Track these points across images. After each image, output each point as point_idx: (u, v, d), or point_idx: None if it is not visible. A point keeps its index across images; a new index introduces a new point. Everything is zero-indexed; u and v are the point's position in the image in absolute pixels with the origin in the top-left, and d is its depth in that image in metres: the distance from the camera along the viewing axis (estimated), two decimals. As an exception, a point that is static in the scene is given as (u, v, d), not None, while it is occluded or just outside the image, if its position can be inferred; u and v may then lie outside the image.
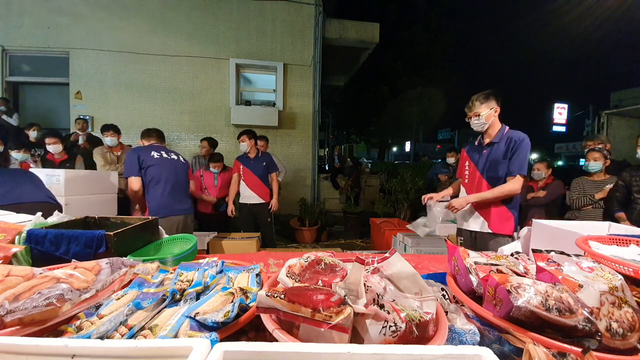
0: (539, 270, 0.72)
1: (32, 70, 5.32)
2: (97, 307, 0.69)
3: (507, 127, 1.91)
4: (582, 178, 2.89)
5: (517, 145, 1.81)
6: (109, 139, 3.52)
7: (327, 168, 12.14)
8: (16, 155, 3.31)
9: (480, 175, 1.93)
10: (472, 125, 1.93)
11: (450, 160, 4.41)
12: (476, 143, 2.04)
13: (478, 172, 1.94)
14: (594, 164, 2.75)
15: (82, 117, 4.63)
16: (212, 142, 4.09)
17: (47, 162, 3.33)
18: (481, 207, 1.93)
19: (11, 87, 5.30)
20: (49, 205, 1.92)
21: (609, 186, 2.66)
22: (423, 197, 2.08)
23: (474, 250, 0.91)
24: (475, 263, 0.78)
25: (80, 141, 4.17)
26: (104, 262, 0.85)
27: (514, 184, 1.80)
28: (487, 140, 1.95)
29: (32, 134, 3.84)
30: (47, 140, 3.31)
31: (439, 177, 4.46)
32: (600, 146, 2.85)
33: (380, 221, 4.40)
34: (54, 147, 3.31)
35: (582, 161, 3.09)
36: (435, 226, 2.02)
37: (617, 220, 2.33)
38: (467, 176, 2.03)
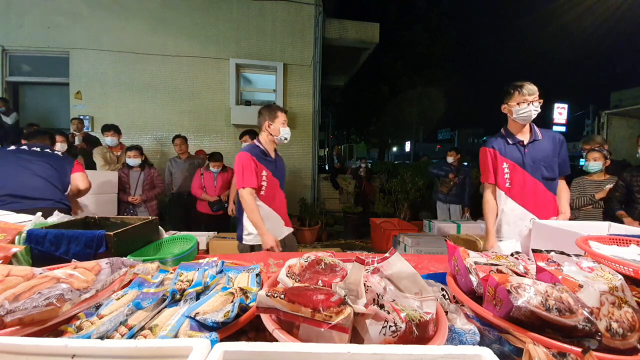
0: (539, 270, 0.72)
1: (32, 70, 5.32)
2: (97, 307, 0.69)
3: (534, 124, 1.80)
4: (582, 178, 2.89)
5: (563, 143, 1.76)
6: (109, 139, 3.53)
7: (327, 168, 12.14)
8: None
9: (532, 178, 1.72)
10: (525, 114, 1.67)
11: (450, 159, 4.42)
12: (509, 141, 1.78)
13: (528, 174, 1.72)
14: (594, 164, 2.75)
15: (80, 117, 4.62)
16: (186, 139, 4.03)
17: (47, 162, 3.33)
18: (549, 213, 1.72)
19: (11, 87, 5.30)
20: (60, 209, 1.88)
21: (609, 186, 2.67)
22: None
23: None
24: (475, 263, 0.78)
25: (77, 142, 4.14)
26: (104, 262, 0.85)
27: (566, 184, 1.80)
28: (524, 138, 1.75)
29: None
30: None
31: (449, 176, 4.44)
32: (598, 147, 2.86)
33: (380, 221, 4.41)
34: (59, 146, 3.30)
35: (582, 161, 3.09)
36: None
37: (617, 220, 2.33)
38: (508, 180, 1.76)
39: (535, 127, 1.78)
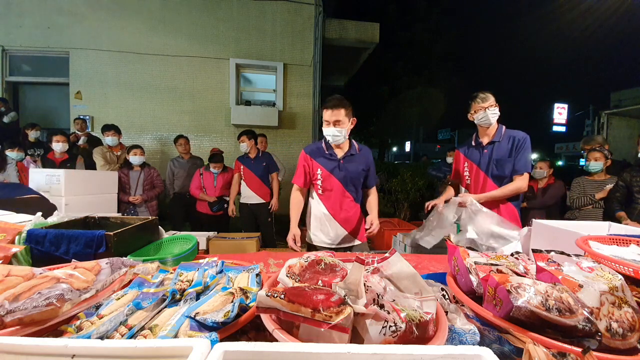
0: (539, 270, 0.72)
1: (32, 70, 5.32)
2: (97, 307, 0.69)
3: (504, 126, 1.92)
4: (582, 178, 2.89)
5: (522, 144, 1.83)
6: (109, 139, 3.52)
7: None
8: (10, 154, 3.31)
9: (484, 175, 1.91)
10: (483, 119, 1.86)
11: (450, 159, 4.43)
12: (473, 143, 2.00)
13: (482, 172, 1.91)
14: (595, 163, 2.75)
15: (81, 117, 4.62)
16: (188, 140, 4.02)
17: (48, 162, 3.33)
18: (490, 207, 1.82)
19: (11, 87, 5.30)
20: (37, 199, 1.87)
21: (609, 186, 2.67)
22: (426, 205, 1.94)
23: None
24: (475, 263, 0.78)
25: (81, 142, 4.15)
26: (104, 262, 0.85)
27: (522, 182, 1.82)
28: (486, 140, 1.93)
29: (32, 134, 3.83)
30: (55, 137, 3.29)
31: (447, 178, 4.45)
32: (598, 147, 2.86)
33: (380, 221, 4.40)
34: (61, 145, 3.29)
35: (582, 161, 3.09)
36: (449, 228, 1.82)
37: (617, 220, 2.33)
38: (467, 177, 2.00)
39: (502, 129, 1.91)
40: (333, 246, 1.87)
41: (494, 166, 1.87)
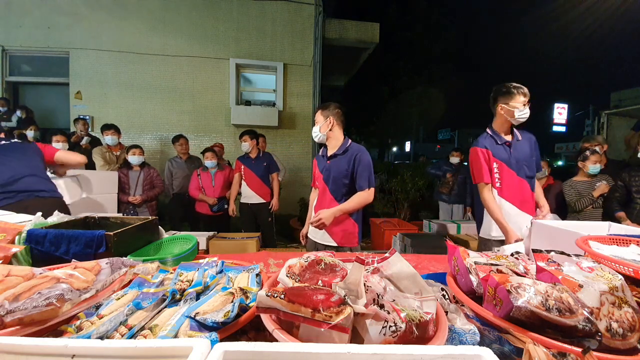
0: (539, 270, 0.72)
1: (32, 70, 5.32)
2: (97, 307, 0.69)
3: None
4: (571, 180, 2.88)
5: (536, 144, 1.84)
6: (109, 138, 3.52)
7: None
8: None
9: (517, 177, 1.76)
10: (523, 114, 1.70)
11: (455, 160, 4.42)
12: (497, 142, 1.80)
13: (514, 173, 1.76)
14: (595, 166, 2.74)
15: (81, 117, 4.62)
16: (187, 139, 4.02)
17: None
18: (532, 212, 1.79)
19: (11, 87, 5.30)
20: (52, 200, 1.84)
21: (600, 183, 2.68)
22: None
23: None
24: (475, 263, 0.77)
25: (84, 142, 4.13)
26: (104, 262, 0.85)
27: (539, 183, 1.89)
28: (508, 138, 1.81)
29: (29, 134, 3.83)
30: (55, 137, 3.29)
31: (447, 176, 4.46)
32: (597, 147, 2.86)
33: (380, 221, 4.40)
34: (61, 145, 3.29)
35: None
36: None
37: (617, 220, 2.33)
38: (498, 180, 1.78)
39: (513, 127, 1.87)
40: (315, 240, 1.96)
41: (525, 167, 1.77)
